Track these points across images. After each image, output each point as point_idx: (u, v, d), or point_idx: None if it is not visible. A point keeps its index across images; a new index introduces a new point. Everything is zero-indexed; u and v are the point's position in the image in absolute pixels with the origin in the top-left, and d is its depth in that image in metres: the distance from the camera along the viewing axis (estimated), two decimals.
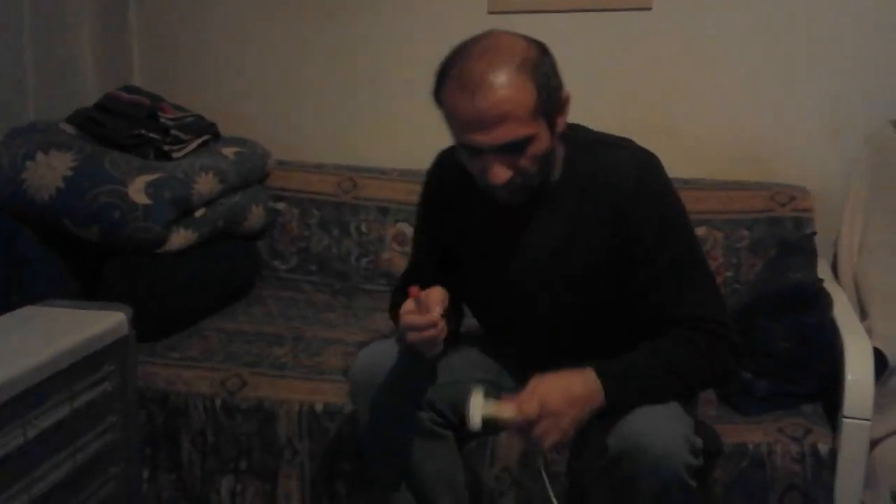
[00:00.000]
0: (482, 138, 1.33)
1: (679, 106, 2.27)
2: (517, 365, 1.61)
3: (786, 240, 2.06)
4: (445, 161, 1.60)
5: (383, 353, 1.53)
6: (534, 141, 1.36)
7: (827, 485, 1.59)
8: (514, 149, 1.35)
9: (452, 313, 1.52)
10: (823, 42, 2.17)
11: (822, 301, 1.80)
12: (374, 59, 2.48)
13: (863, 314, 1.85)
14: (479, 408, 1.34)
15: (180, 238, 2.12)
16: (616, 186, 1.43)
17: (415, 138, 2.47)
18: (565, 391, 1.33)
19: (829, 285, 1.89)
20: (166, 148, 2.22)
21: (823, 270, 1.98)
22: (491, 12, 2.37)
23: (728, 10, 2.22)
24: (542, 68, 1.35)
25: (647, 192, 1.43)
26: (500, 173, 1.36)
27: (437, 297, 1.41)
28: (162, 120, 2.26)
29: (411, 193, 2.33)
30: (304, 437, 1.79)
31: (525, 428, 1.32)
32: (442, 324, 1.40)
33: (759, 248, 2.09)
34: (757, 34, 2.21)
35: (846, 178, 2.09)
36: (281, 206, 2.44)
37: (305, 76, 2.55)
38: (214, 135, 2.41)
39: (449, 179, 1.56)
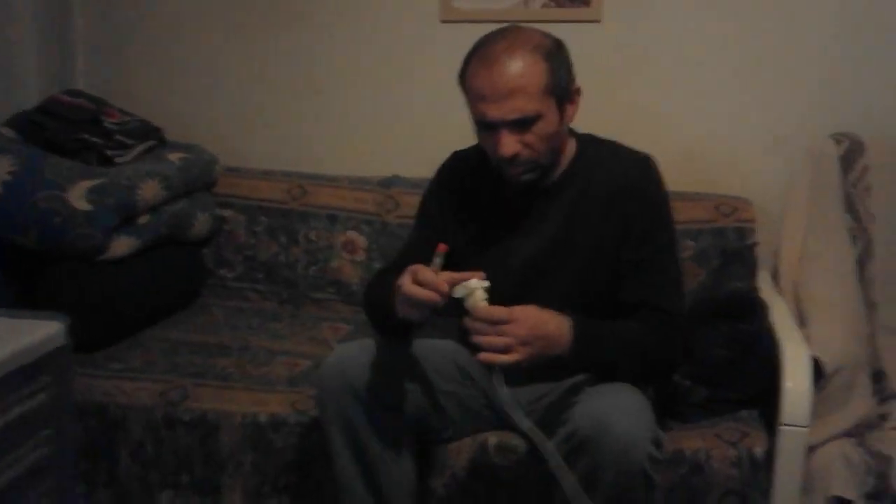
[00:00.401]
0: (494, 111, 1.45)
1: (626, 118, 2.28)
2: None
3: (728, 250, 2.10)
4: (457, 160, 1.70)
5: (354, 356, 1.54)
6: (542, 119, 1.48)
7: (764, 489, 1.61)
8: (524, 124, 1.47)
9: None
10: (766, 57, 2.21)
11: (759, 309, 1.84)
12: (324, 65, 2.47)
13: (802, 323, 1.89)
14: (470, 288, 1.38)
15: (122, 245, 2.08)
16: (620, 184, 1.56)
17: (365, 146, 2.49)
18: (538, 323, 1.41)
19: (770, 294, 1.94)
20: (109, 153, 2.19)
21: (764, 280, 2.02)
22: (443, 21, 2.37)
23: (674, 25, 2.25)
24: (555, 56, 1.49)
25: (647, 191, 1.57)
26: (509, 146, 1.47)
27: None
28: (105, 124, 2.22)
29: (361, 202, 2.35)
30: (248, 450, 1.77)
31: (484, 327, 1.37)
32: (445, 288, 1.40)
33: (704, 257, 2.12)
34: (702, 49, 2.24)
35: (787, 190, 2.12)
36: (228, 213, 2.40)
37: (254, 81, 2.52)
38: (160, 140, 2.38)
39: (458, 176, 1.66)
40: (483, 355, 1.38)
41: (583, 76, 2.26)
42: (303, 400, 1.79)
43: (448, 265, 1.44)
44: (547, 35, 1.53)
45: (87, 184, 2.02)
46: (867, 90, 2.16)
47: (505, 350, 1.37)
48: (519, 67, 1.45)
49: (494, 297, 1.40)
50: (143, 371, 1.92)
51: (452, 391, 1.61)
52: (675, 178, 2.16)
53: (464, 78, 1.51)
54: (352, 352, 1.55)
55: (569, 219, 1.57)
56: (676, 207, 2.11)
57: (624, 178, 1.57)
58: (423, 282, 1.39)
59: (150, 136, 2.34)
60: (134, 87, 2.55)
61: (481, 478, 1.65)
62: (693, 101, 2.28)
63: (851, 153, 2.06)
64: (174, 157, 2.31)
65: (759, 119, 2.25)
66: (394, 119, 2.43)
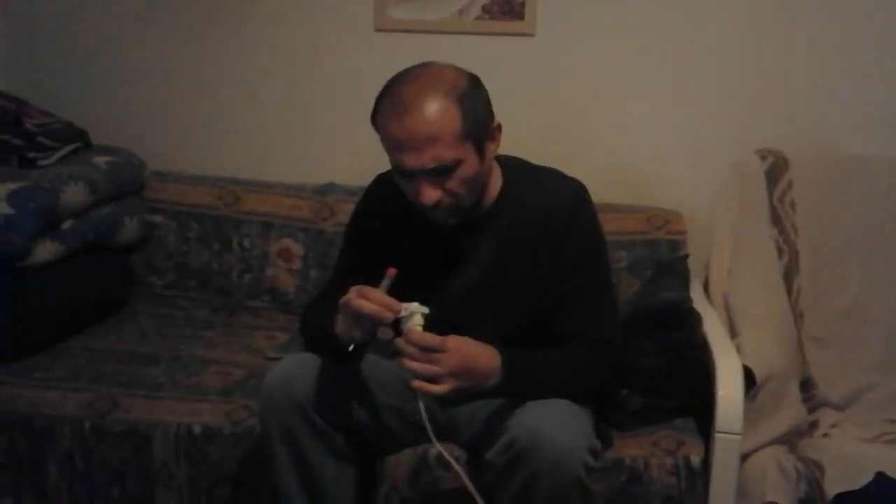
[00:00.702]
0: (411, 160, 1.42)
1: (559, 131, 2.33)
2: None
3: (661, 261, 2.15)
4: (381, 184, 1.65)
5: (296, 371, 1.51)
6: (461, 165, 1.44)
7: (701, 496, 1.65)
8: (443, 172, 1.43)
9: None
10: (696, 72, 2.27)
11: (691, 319, 1.89)
12: (258, 70, 2.43)
13: (732, 333, 1.94)
14: (410, 310, 1.41)
15: (46, 251, 2.01)
16: (551, 214, 1.54)
17: (300, 153, 2.46)
18: (469, 356, 1.42)
19: (701, 305, 1.99)
20: (31, 155, 2.12)
21: (696, 291, 2.07)
22: (378, 30, 2.37)
23: (607, 40, 2.30)
24: (470, 97, 1.45)
25: (578, 222, 1.56)
26: (430, 195, 1.45)
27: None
28: (27, 126, 2.16)
29: (296, 209, 2.32)
30: (182, 461, 1.72)
31: (416, 352, 1.38)
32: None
33: (637, 268, 2.16)
34: (634, 63, 2.29)
35: (716, 203, 2.19)
36: (157, 218, 2.34)
37: (185, 84, 2.47)
38: (85, 143, 2.31)
39: (385, 202, 1.61)
40: (416, 383, 1.39)
41: (516, 89, 2.30)
42: (237, 410, 1.76)
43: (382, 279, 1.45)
44: (461, 72, 1.48)
45: (8, 186, 1.96)
46: (791, 106, 2.24)
47: (434, 380, 1.39)
48: (433, 114, 1.40)
49: (430, 330, 1.42)
50: (68, 381, 1.86)
51: (396, 406, 1.60)
52: (606, 190, 2.22)
53: (376, 121, 1.46)
54: (295, 366, 1.53)
55: (499, 250, 1.57)
56: (610, 219, 2.17)
57: (554, 206, 1.54)
58: (372, 299, 1.40)
59: (74, 138, 2.27)
60: (57, 87, 2.47)
61: (422, 489, 1.64)
62: (623, 114, 2.33)
63: (776, 168, 2.14)
64: (100, 160, 2.25)
65: (687, 133, 2.30)
66: (330, 126, 2.41)
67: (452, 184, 1.45)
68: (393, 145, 1.43)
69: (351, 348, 1.46)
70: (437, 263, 1.58)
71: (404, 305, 1.41)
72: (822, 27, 2.21)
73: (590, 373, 1.53)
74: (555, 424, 1.39)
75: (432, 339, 1.39)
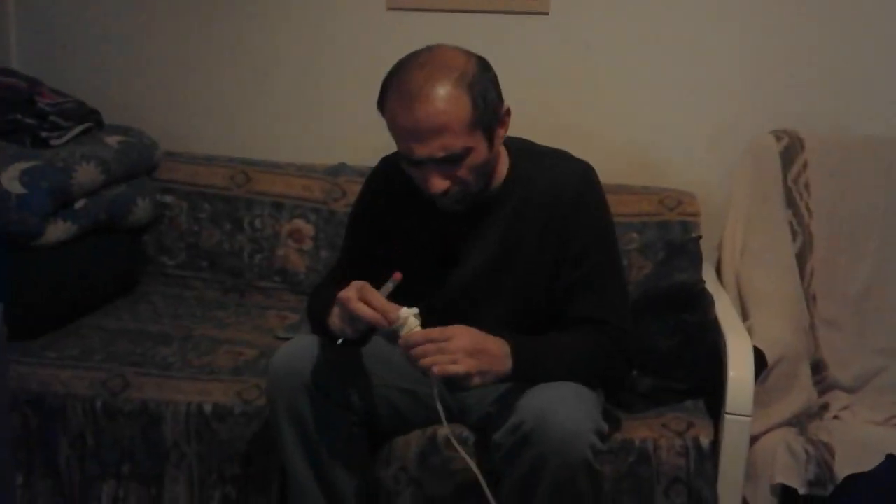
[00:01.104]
0: (420, 149, 1.39)
1: (573, 111, 2.31)
2: None
3: (673, 242, 2.13)
4: (387, 166, 1.63)
5: (304, 351, 1.51)
6: (471, 153, 1.42)
7: (710, 478, 1.64)
8: (452, 161, 1.41)
9: None
10: (711, 52, 2.25)
11: (703, 301, 1.87)
12: (270, 51, 2.42)
13: (744, 315, 1.93)
14: (402, 318, 1.38)
15: (58, 230, 2.02)
16: (557, 197, 1.52)
17: (311, 133, 2.45)
18: (476, 337, 1.40)
19: (713, 287, 1.98)
20: (44, 135, 2.12)
21: (708, 273, 2.06)
22: (390, 9, 2.35)
23: (622, 19, 2.27)
24: (480, 83, 1.41)
25: (586, 204, 1.53)
26: (439, 183, 1.43)
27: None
28: (40, 105, 2.15)
29: (307, 189, 2.31)
30: (192, 440, 1.73)
31: (426, 348, 1.36)
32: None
33: (649, 250, 2.15)
34: (648, 43, 2.27)
35: (730, 183, 2.17)
36: (169, 199, 2.34)
37: (196, 64, 2.46)
38: (97, 122, 2.31)
39: (390, 184, 1.59)
40: (436, 368, 1.36)
41: (528, 68, 2.29)
42: (248, 389, 1.76)
43: (382, 275, 1.44)
44: (469, 56, 1.44)
45: (20, 166, 1.96)
46: (807, 86, 2.21)
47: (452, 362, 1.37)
48: (442, 103, 1.37)
49: (436, 318, 1.41)
50: (80, 360, 1.87)
51: (405, 387, 1.60)
52: (619, 171, 2.21)
53: (383, 108, 1.43)
54: (302, 348, 1.52)
55: (506, 234, 1.55)
56: (622, 201, 2.17)
57: (562, 190, 1.52)
58: (372, 304, 1.39)
59: (86, 118, 2.27)
60: (70, 67, 2.47)
61: (431, 470, 1.64)
62: (637, 94, 2.31)
63: (791, 149, 2.12)
64: (112, 140, 2.25)
65: (701, 113, 2.28)
66: (341, 107, 2.40)
67: (462, 171, 1.43)
68: (401, 133, 1.41)
69: (340, 342, 1.46)
70: (443, 247, 1.57)
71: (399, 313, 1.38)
72: (839, 6, 2.17)
73: (600, 358, 1.51)
74: (562, 407, 1.38)
75: (434, 331, 1.37)
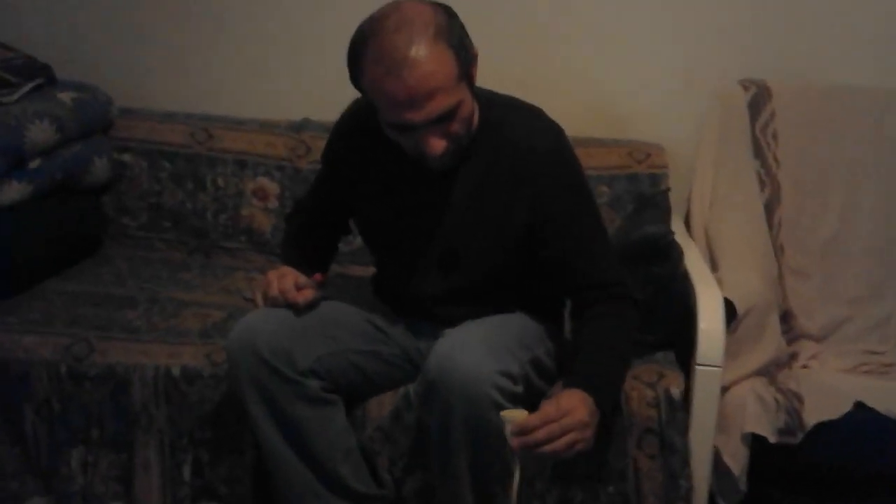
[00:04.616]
0: (415, 116, 1.35)
1: (539, 63, 2.28)
2: (404, 309, 1.64)
3: (642, 195, 2.13)
4: (359, 109, 1.58)
5: (260, 325, 1.49)
6: (462, 105, 1.40)
7: (681, 428, 1.66)
8: (446, 118, 1.38)
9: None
10: (676, 1, 2.22)
11: (673, 253, 1.87)
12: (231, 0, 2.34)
13: (714, 266, 1.94)
14: (505, 420, 1.32)
15: (13, 191, 1.96)
16: (531, 150, 1.49)
17: (274, 87, 2.39)
18: (586, 403, 1.34)
19: (682, 239, 1.98)
20: None
21: (677, 225, 2.06)
22: None
23: None
24: (453, 32, 1.37)
25: (560, 161, 1.51)
26: (437, 144, 1.39)
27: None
28: None
29: (271, 146, 2.26)
30: (161, 404, 1.71)
31: (546, 431, 1.29)
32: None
33: (618, 203, 2.15)
34: None
35: (698, 135, 2.16)
36: (127, 157, 2.27)
37: (151, 14, 2.37)
38: (49, 78, 2.22)
39: (361, 125, 1.55)
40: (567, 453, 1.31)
41: (490, 19, 2.24)
42: (217, 352, 1.73)
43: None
44: (435, 6, 1.38)
45: None
46: (774, 35, 2.20)
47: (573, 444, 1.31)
48: (431, 65, 1.31)
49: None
50: (43, 325, 1.82)
51: (373, 350, 1.59)
52: (587, 124, 2.20)
53: (360, 82, 1.37)
54: (256, 320, 1.51)
55: (478, 186, 1.51)
56: (590, 154, 2.15)
57: (536, 143, 1.49)
58: (285, 295, 1.50)
59: (37, 73, 2.18)
60: (16, 20, 2.37)
61: (406, 428, 1.64)
62: (604, 46, 2.28)
63: (759, 99, 2.11)
64: (65, 96, 2.17)
65: (669, 64, 2.26)
66: (305, 59, 2.34)
67: (455, 126, 1.40)
68: (390, 103, 1.35)
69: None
70: (414, 192, 1.54)
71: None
72: None
73: (626, 327, 1.52)
74: (463, 349, 1.38)
75: (546, 411, 1.30)
